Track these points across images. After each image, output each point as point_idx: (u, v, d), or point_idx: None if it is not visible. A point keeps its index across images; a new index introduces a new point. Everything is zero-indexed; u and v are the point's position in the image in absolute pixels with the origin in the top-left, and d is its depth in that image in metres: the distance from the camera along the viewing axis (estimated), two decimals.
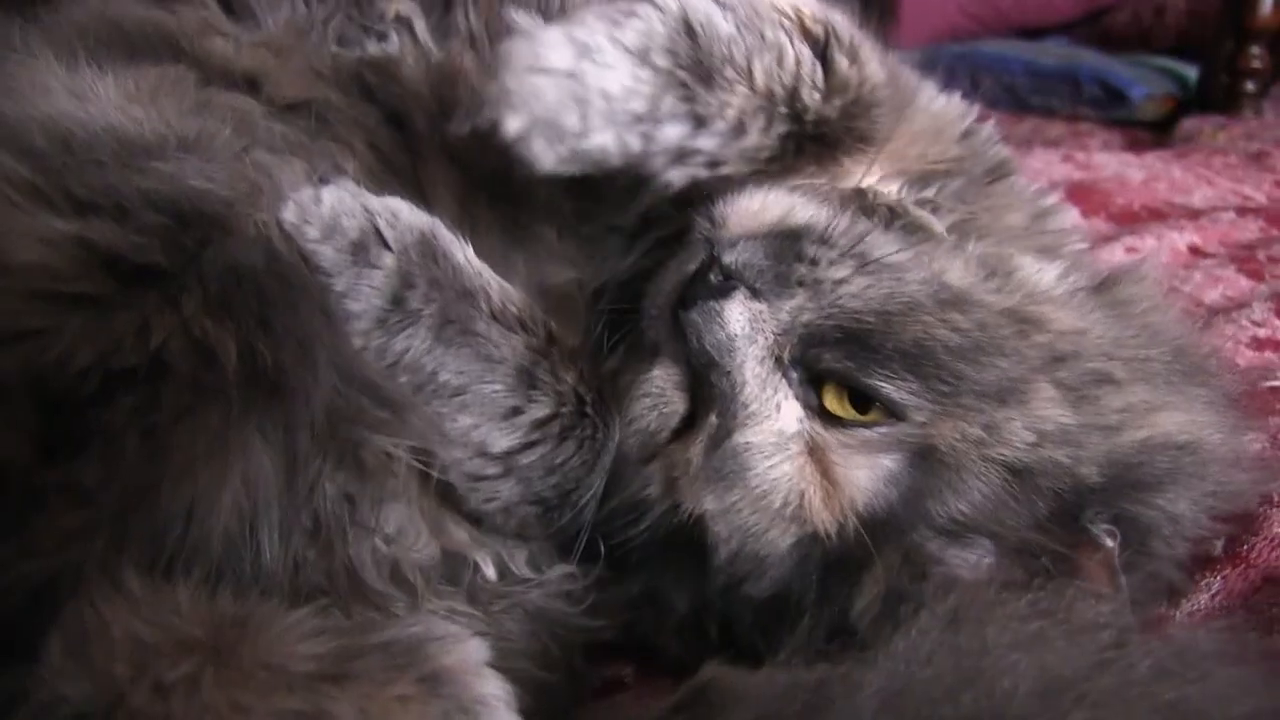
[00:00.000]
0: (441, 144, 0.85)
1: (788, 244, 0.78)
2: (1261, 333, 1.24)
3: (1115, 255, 1.51)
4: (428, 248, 0.75)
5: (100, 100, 0.73)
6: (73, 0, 0.90)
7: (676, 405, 0.81)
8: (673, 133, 0.74)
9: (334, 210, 0.73)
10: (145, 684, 0.55)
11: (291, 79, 0.85)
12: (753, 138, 0.77)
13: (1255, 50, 2.69)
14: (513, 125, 0.70)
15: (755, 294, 0.76)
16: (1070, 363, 0.75)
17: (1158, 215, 1.77)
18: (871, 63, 0.83)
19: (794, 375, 0.76)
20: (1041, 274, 0.83)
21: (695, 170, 0.77)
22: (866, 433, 0.74)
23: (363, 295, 0.72)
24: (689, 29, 0.74)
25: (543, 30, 0.71)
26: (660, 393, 0.82)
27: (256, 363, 0.64)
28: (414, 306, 0.73)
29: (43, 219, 0.63)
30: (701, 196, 0.81)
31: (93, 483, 0.60)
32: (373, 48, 0.89)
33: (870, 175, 0.87)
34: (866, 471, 0.73)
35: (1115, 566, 0.71)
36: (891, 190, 0.88)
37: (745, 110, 0.76)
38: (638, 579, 0.82)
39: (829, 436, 0.75)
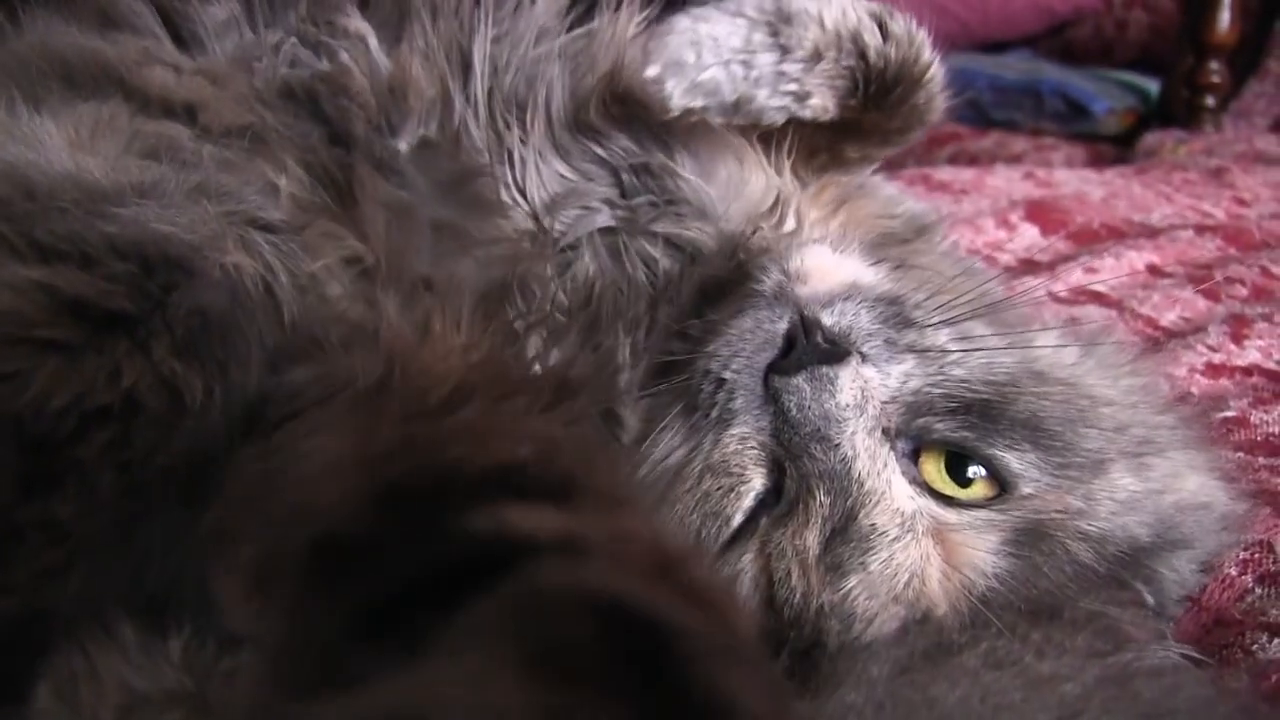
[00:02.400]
0: (381, 157, 0.87)
1: (893, 308, 0.78)
2: (1216, 358, 1.24)
3: (1074, 276, 1.52)
4: None
5: (51, 146, 0.73)
6: (14, 31, 0.89)
7: (754, 483, 0.77)
8: (765, 60, 0.89)
9: None
10: None
11: (230, 106, 0.85)
12: (827, 64, 0.90)
13: (1214, 65, 2.74)
14: (651, 71, 0.87)
15: (864, 360, 0.75)
16: (1128, 431, 0.78)
17: (1117, 234, 1.78)
18: (923, 42, 0.94)
19: (900, 446, 0.75)
20: (1051, 339, 0.85)
21: (788, 101, 0.90)
22: (987, 512, 0.73)
23: None
24: None
25: (673, 15, 0.91)
26: (740, 471, 0.77)
27: (212, 407, 0.65)
28: None
29: (10, 267, 0.64)
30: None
31: (68, 516, 0.60)
32: (324, 64, 0.90)
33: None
34: (987, 553, 0.72)
35: (1159, 624, 0.74)
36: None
37: (819, 42, 0.90)
38: None
39: (949, 516, 0.73)
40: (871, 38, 0.90)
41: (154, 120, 0.81)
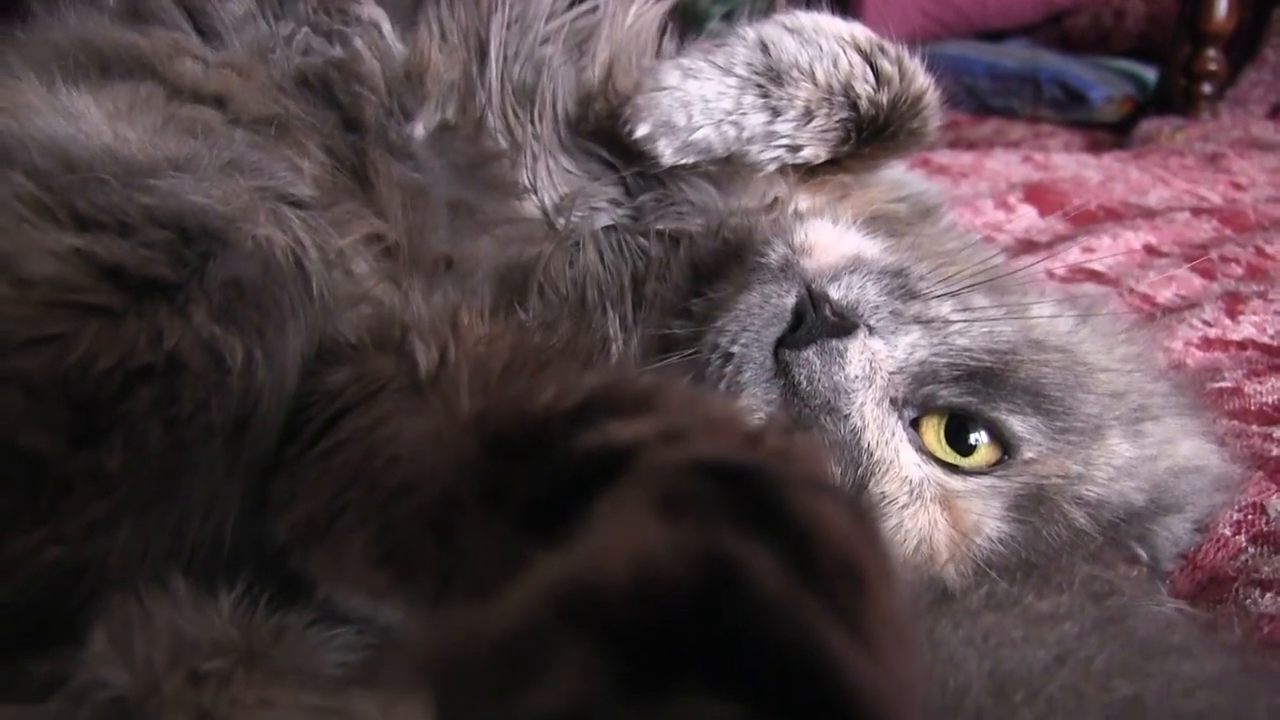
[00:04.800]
0: (394, 141, 0.89)
1: (897, 280, 0.80)
2: (1212, 333, 1.27)
3: (1072, 255, 1.55)
4: None
5: (90, 118, 0.75)
6: (50, 21, 0.92)
7: None
8: (756, 120, 0.89)
9: None
10: (180, 673, 0.58)
11: (256, 97, 0.87)
12: (819, 121, 0.90)
13: (1211, 53, 2.76)
14: (641, 130, 0.87)
15: (871, 332, 0.77)
16: (1124, 398, 0.80)
17: (1114, 215, 1.81)
18: (915, 69, 0.94)
19: (907, 415, 0.77)
20: (1047, 309, 0.87)
21: (780, 153, 0.90)
22: (991, 479, 0.75)
23: None
24: (763, 47, 0.91)
25: (662, 65, 0.90)
26: None
27: (253, 369, 0.67)
28: None
29: (51, 234, 0.65)
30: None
31: (116, 468, 0.62)
32: (337, 51, 0.92)
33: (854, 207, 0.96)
34: (991, 519, 0.75)
35: (1152, 578, 0.77)
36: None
37: (811, 100, 0.90)
38: None
39: (954, 483, 0.75)
40: (863, 86, 0.90)
41: (188, 105, 0.84)
